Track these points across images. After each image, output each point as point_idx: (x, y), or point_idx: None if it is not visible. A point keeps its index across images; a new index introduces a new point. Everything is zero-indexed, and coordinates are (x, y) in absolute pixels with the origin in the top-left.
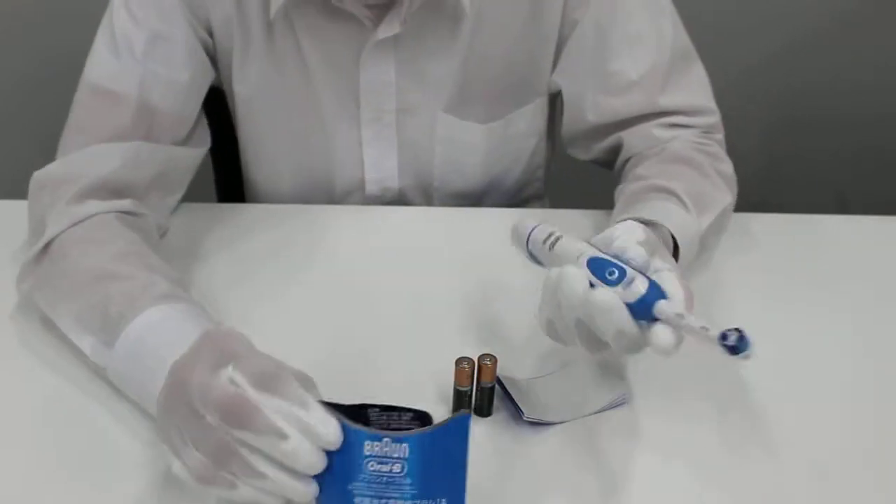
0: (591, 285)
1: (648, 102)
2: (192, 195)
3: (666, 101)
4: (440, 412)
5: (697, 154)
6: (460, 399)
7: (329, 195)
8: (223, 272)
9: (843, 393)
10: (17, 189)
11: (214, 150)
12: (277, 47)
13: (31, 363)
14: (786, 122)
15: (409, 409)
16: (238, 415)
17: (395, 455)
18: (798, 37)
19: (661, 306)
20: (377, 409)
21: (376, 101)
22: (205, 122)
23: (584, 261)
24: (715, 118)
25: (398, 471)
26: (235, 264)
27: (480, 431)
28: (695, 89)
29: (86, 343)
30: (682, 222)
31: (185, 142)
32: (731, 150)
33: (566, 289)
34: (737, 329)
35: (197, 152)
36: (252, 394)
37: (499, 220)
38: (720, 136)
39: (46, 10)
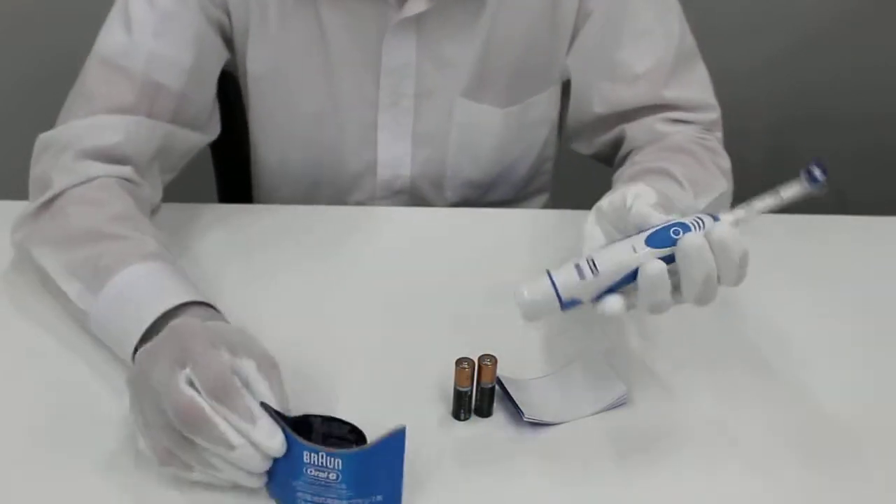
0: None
1: (652, 94)
2: (193, 195)
3: (669, 95)
4: (440, 412)
5: (696, 146)
6: (460, 399)
7: (339, 179)
8: (224, 273)
9: (844, 393)
10: (17, 189)
11: (215, 149)
12: (297, 25)
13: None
14: (786, 122)
15: (347, 423)
16: (192, 423)
17: (331, 466)
18: (798, 37)
19: (726, 216)
20: (319, 419)
21: (395, 84)
22: (217, 111)
23: (642, 246)
24: (716, 115)
25: (334, 478)
26: (236, 265)
27: (480, 432)
28: (697, 86)
29: (73, 287)
30: (678, 197)
31: (189, 124)
32: (732, 150)
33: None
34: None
35: (198, 137)
36: (205, 403)
37: (501, 221)
38: (720, 134)
39: (46, 10)
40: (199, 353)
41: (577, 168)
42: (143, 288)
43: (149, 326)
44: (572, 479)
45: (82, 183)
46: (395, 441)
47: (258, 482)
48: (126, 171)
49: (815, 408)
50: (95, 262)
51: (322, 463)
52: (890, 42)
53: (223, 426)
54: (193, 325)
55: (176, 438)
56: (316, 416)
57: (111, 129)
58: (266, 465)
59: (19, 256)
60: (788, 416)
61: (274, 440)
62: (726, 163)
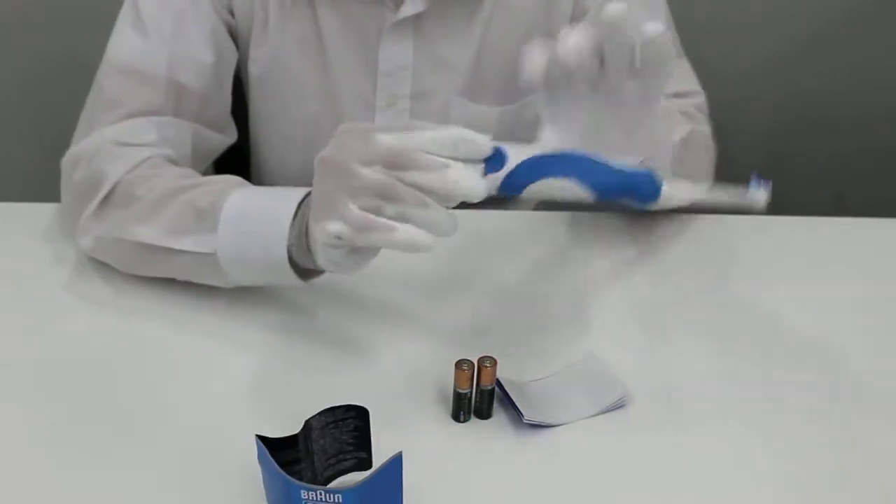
0: None
1: None
2: None
3: None
4: (440, 414)
5: (676, 112)
6: (460, 401)
7: None
8: None
9: (844, 394)
10: (16, 190)
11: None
12: (295, 26)
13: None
14: (785, 123)
15: (341, 406)
16: (403, 157)
17: (331, 501)
18: (798, 38)
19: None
20: (317, 417)
21: (392, 86)
22: (230, 111)
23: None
24: (700, 99)
25: None
26: None
27: (480, 434)
28: (682, 80)
29: (185, 241)
30: None
31: (212, 124)
32: (731, 151)
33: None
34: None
35: (220, 138)
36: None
37: (500, 223)
38: (704, 115)
39: (46, 10)
40: (377, 125)
41: None
42: (259, 201)
43: (292, 219)
44: (572, 480)
45: (135, 166)
46: (393, 468)
47: (455, 224)
48: (168, 152)
49: (817, 409)
50: (193, 208)
51: (321, 499)
52: (889, 43)
53: (431, 151)
54: (356, 122)
55: (383, 187)
56: (312, 417)
57: (145, 130)
58: (482, 186)
59: (89, 260)
60: (789, 418)
61: (480, 137)
62: (706, 129)
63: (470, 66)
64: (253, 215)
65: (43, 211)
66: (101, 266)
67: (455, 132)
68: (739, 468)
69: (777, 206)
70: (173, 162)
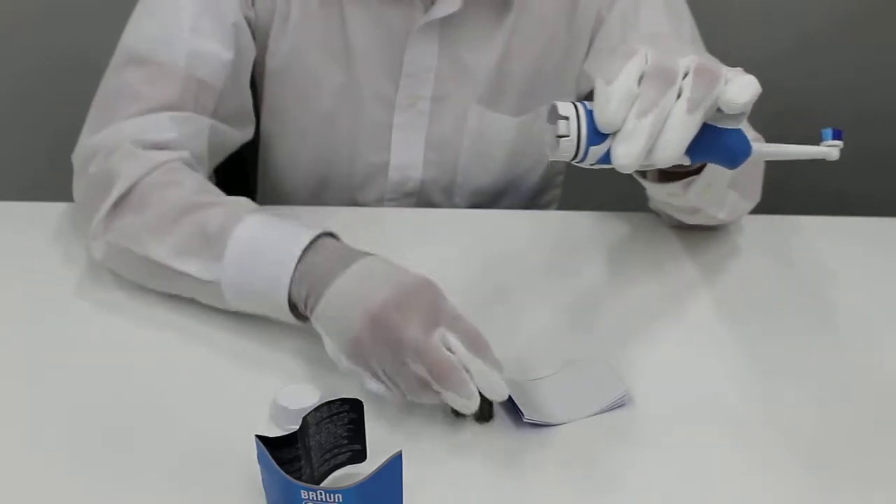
0: None
1: None
2: None
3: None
4: (441, 413)
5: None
6: None
7: (349, 178)
8: None
9: (844, 394)
10: (16, 190)
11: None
12: (319, 22)
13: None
14: (786, 121)
15: (336, 399)
16: (446, 378)
17: (331, 500)
18: (798, 37)
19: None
20: (312, 413)
21: (414, 86)
22: (251, 106)
23: None
24: None
25: None
26: None
27: (481, 433)
28: None
29: (191, 265)
30: None
31: (229, 120)
32: None
33: None
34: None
35: (238, 133)
36: (462, 359)
37: (505, 223)
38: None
39: (46, 10)
40: (449, 312)
41: (586, 171)
42: (267, 236)
43: (294, 267)
44: (573, 479)
45: (152, 170)
46: (393, 467)
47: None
48: (185, 154)
49: (815, 408)
50: (202, 231)
51: (321, 499)
52: (891, 42)
53: (472, 380)
54: (424, 281)
55: (413, 383)
56: (307, 413)
57: (164, 127)
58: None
59: (101, 264)
60: (788, 416)
61: (502, 389)
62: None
63: (491, 73)
64: (258, 253)
65: (43, 210)
66: (103, 267)
67: (496, 377)
68: (739, 467)
69: (777, 206)
70: (190, 165)
